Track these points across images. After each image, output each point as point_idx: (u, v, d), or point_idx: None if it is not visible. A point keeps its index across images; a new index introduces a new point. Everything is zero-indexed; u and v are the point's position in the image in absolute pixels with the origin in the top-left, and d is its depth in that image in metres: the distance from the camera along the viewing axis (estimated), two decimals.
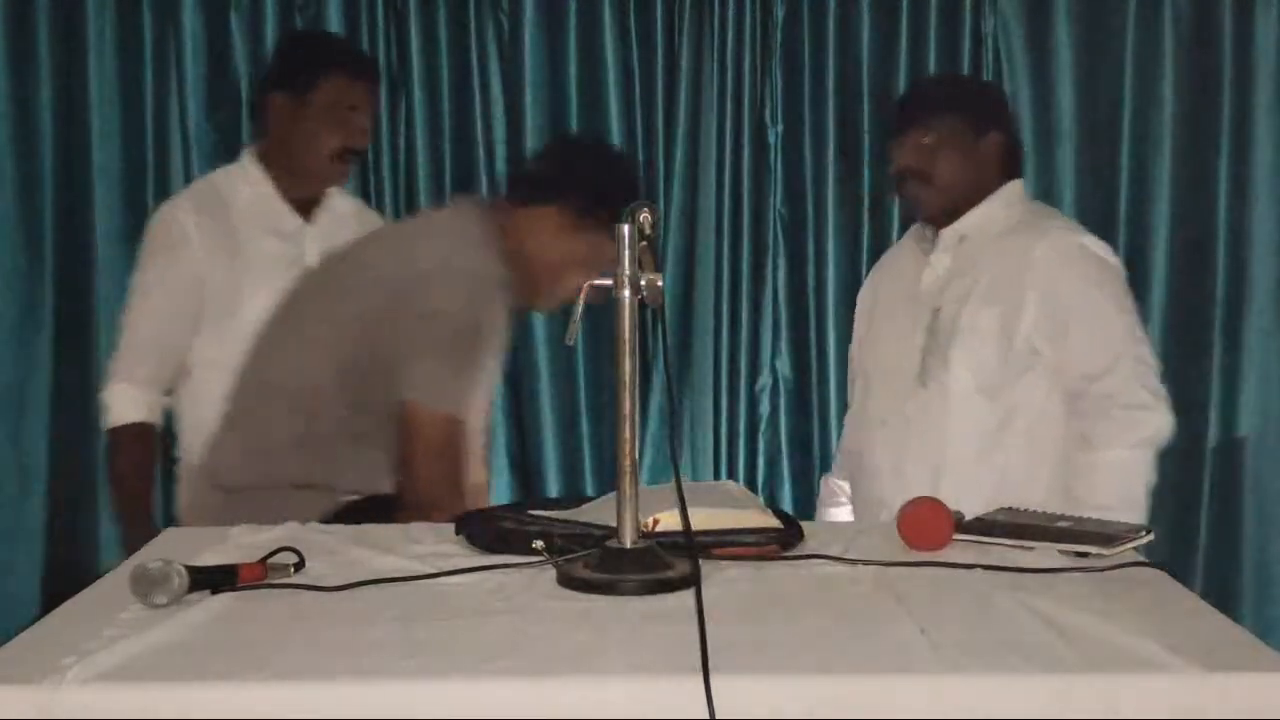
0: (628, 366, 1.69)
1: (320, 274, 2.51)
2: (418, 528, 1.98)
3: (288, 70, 2.75)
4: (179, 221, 2.72)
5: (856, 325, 2.85)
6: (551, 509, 1.96)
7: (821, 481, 2.93)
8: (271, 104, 2.71)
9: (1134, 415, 2.51)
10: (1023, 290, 2.51)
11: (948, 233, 2.62)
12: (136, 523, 2.72)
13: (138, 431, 2.72)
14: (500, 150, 3.38)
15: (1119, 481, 2.49)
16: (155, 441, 2.77)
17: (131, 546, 2.66)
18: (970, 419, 2.53)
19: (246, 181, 2.77)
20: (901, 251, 2.83)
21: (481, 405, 2.44)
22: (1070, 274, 2.54)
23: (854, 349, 2.87)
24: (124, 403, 2.73)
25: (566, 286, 2.39)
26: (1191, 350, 3.33)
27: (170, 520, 2.86)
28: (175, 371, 2.73)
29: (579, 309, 1.77)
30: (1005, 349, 2.51)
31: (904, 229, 3.26)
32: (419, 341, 2.25)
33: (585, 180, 2.41)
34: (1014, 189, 2.66)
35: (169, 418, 2.78)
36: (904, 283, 2.69)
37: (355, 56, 2.91)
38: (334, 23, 3.31)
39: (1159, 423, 2.53)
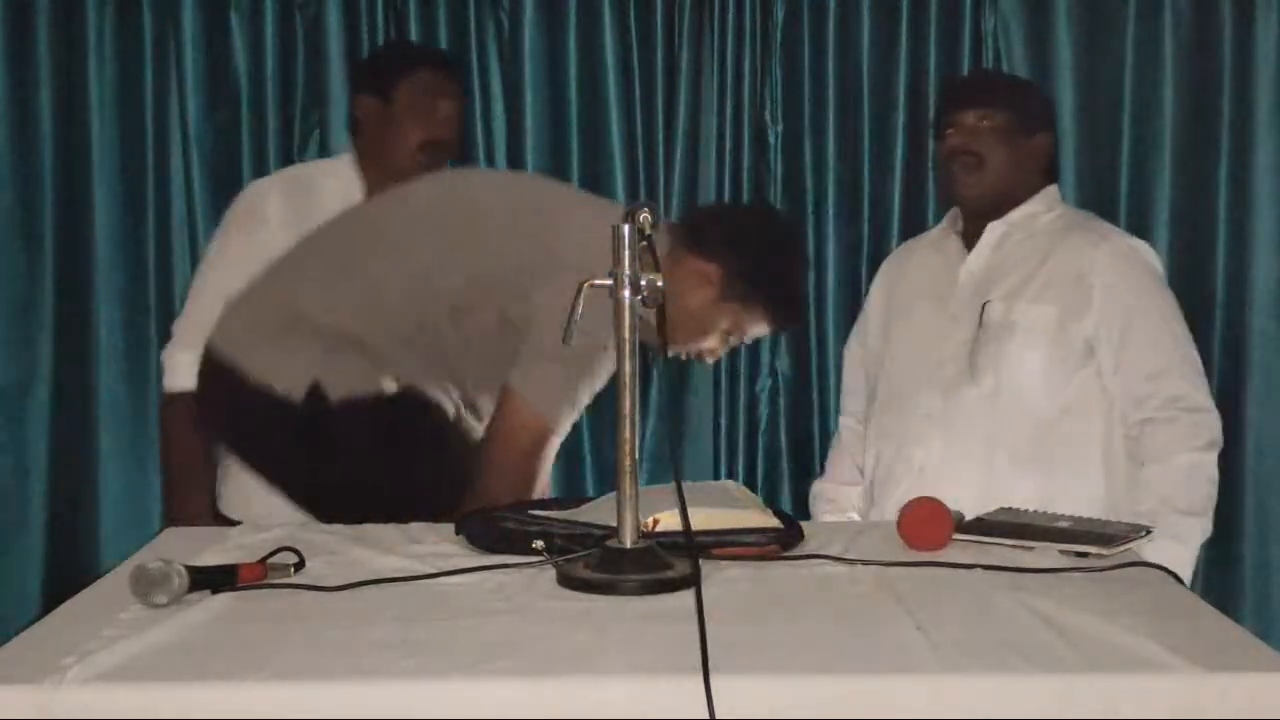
0: (628, 366, 1.69)
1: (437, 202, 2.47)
2: (418, 528, 1.99)
3: (373, 71, 2.85)
4: (261, 201, 2.76)
5: (868, 324, 2.84)
6: (551, 509, 1.96)
7: (816, 488, 2.91)
8: (360, 105, 2.79)
9: (1197, 418, 2.54)
10: (1085, 290, 2.54)
11: (994, 226, 2.64)
12: (181, 491, 2.74)
13: (188, 399, 2.73)
14: (500, 150, 3.37)
15: (1198, 485, 2.53)
16: None
17: (174, 514, 2.69)
18: (1024, 415, 2.54)
19: (337, 176, 2.79)
20: (921, 248, 2.84)
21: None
22: (1133, 277, 2.60)
23: (860, 348, 2.85)
24: (182, 369, 2.73)
25: (694, 343, 2.40)
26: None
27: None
28: None
29: (578, 309, 1.77)
30: (1062, 347, 2.54)
31: (904, 229, 3.27)
32: (548, 338, 2.14)
33: (758, 258, 2.38)
34: (1053, 192, 2.72)
35: None
36: (931, 278, 2.71)
37: (437, 53, 3.05)
38: (334, 22, 3.30)
39: (1218, 424, 2.58)
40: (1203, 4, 3.29)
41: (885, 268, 2.90)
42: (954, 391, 2.57)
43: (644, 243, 1.69)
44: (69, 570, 3.26)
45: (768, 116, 3.36)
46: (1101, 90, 3.33)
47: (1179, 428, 2.52)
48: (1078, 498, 2.39)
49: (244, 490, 2.51)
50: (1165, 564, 1.89)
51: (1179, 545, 2.43)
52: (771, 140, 3.36)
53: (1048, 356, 2.54)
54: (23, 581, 3.33)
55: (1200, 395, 2.57)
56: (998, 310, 2.57)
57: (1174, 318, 2.62)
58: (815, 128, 3.35)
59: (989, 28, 3.32)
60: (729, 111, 3.33)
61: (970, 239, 2.68)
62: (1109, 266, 2.57)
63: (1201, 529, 2.52)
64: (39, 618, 1.55)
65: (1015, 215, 2.65)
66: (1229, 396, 3.32)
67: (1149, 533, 1.89)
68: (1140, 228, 3.31)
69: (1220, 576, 3.32)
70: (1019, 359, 2.54)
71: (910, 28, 3.32)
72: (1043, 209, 2.67)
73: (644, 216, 1.69)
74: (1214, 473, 2.55)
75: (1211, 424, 2.56)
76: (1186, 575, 2.38)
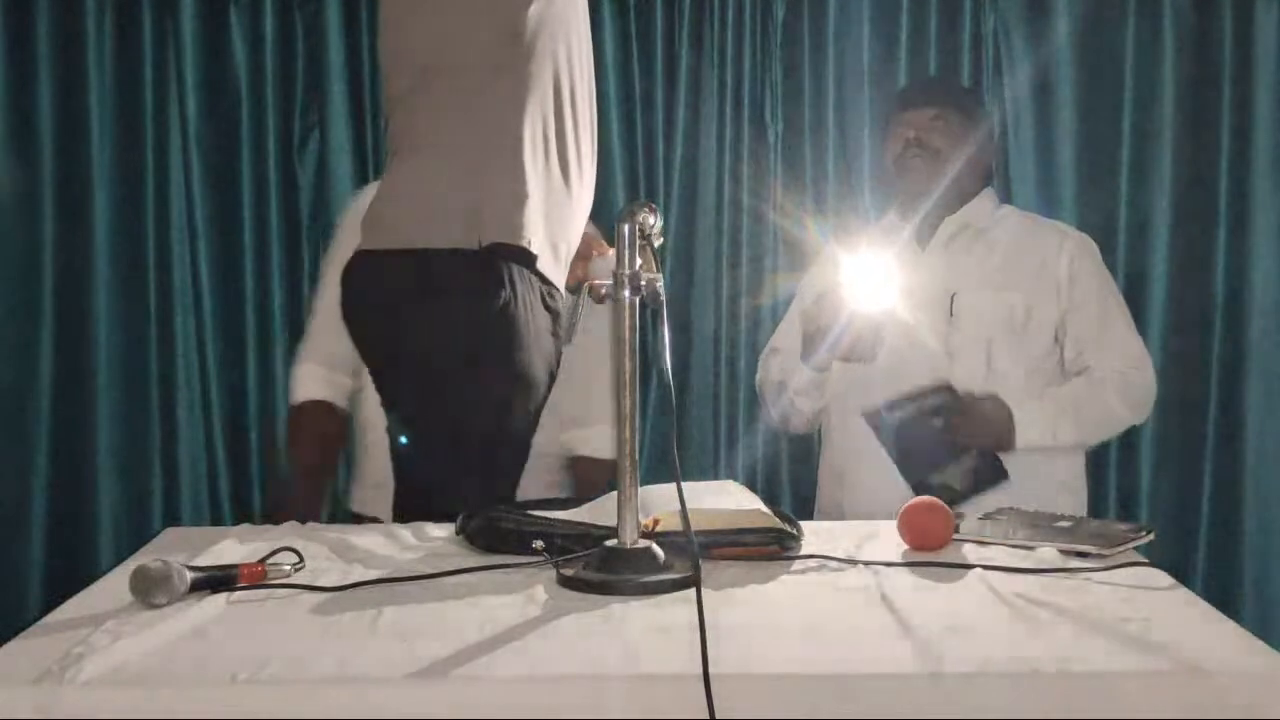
0: (628, 366, 1.69)
1: None
2: (418, 527, 1.99)
3: None
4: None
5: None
6: (552, 509, 1.96)
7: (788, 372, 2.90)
8: None
9: (1142, 376, 2.79)
10: (1051, 280, 2.76)
11: (949, 221, 2.81)
12: (305, 494, 2.76)
13: (314, 409, 2.76)
14: None
15: (1108, 421, 2.80)
16: (333, 421, 2.79)
17: (297, 515, 2.70)
18: (996, 390, 2.70)
19: None
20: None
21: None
22: (1094, 268, 2.82)
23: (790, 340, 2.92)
24: (304, 380, 2.79)
25: None
26: (1191, 350, 3.33)
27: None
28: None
29: (580, 309, 1.77)
30: (1030, 331, 2.73)
31: None
32: None
33: None
34: (991, 193, 2.91)
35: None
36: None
37: None
38: (334, 22, 3.30)
39: (1152, 398, 2.84)
40: (1203, 4, 3.29)
41: (823, 268, 2.96)
42: (938, 374, 2.70)
43: (644, 242, 1.69)
44: (69, 570, 3.26)
45: (768, 116, 3.36)
46: (1101, 90, 3.33)
47: (1120, 380, 2.73)
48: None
49: (381, 486, 2.53)
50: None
51: (1042, 427, 2.66)
52: (771, 140, 3.36)
53: (1019, 341, 2.73)
54: (23, 581, 3.33)
55: (1150, 372, 2.79)
56: (968, 301, 2.74)
57: (1123, 303, 2.85)
58: (815, 128, 3.35)
59: (989, 28, 3.32)
60: (729, 111, 3.33)
61: (918, 235, 2.83)
62: (1073, 259, 2.78)
63: (1072, 438, 2.73)
64: (39, 618, 1.55)
65: (966, 212, 2.83)
66: (1228, 396, 3.32)
67: (1150, 533, 1.89)
68: (1140, 228, 3.32)
69: (1220, 576, 3.33)
70: (992, 344, 2.72)
71: (910, 28, 3.32)
72: (991, 206, 2.87)
73: (644, 216, 1.69)
74: (1119, 423, 2.80)
75: (1148, 391, 2.78)
76: (1032, 438, 2.65)
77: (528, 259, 2.16)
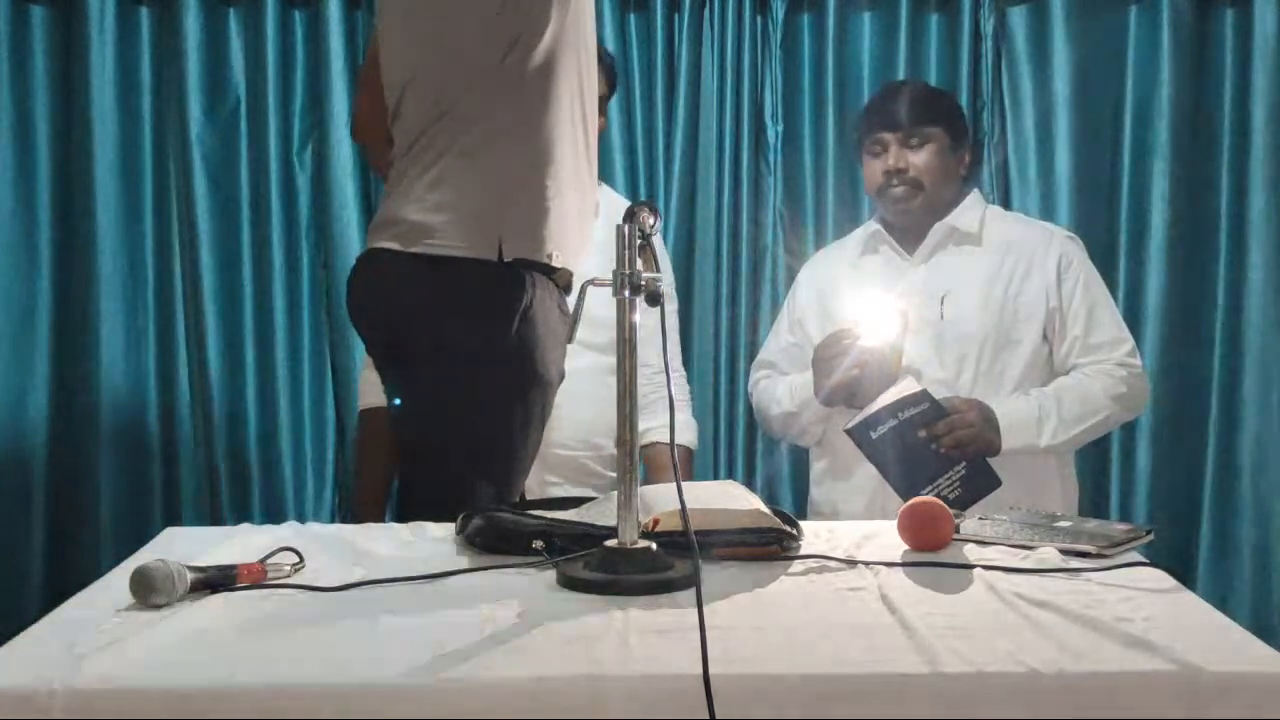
0: (628, 366, 1.69)
1: None
2: (418, 527, 1.99)
3: None
4: None
5: (805, 327, 2.90)
6: (552, 509, 1.96)
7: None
8: None
9: (1135, 372, 2.79)
10: (1043, 277, 2.76)
11: (938, 228, 2.81)
12: (364, 506, 2.81)
13: (375, 417, 2.78)
14: None
15: (1094, 413, 2.75)
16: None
17: (358, 518, 2.72)
18: (989, 392, 2.72)
19: None
20: (847, 252, 2.95)
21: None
22: (1084, 265, 2.82)
23: (785, 346, 2.94)
24: (365, 387, 2.83)
25: None
26: (1191, 350, 3.33)
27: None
28: None
29: (580, 308, 1.78)
30: (1020, 328, 2.75)
31: None
32: None
33: None
34: (977, 195, 2.91)
35: None
36: (872, 279, 2.82)
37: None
38: (334, 22, 3.30)
39: (1145, 393, 2.87)
40: (1203, 4, 3.29)
41: (810, 274, 2.99)
42: (911, 383, 2.69)
43: (643, 243, 1.69)
44: (69, 570, 3.26)
45: (768, 116, 3.36)
46: (1101, 89, 3.33)
47: (1107, 376, 2.73)
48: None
49: None
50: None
51: (1027, 426, 2.67)
52: (771, 140, 3.36)
53: (1010, 340, 2.74)
54: (23, 581, 3.33)
55: (1139, 366, 2.80)
56: (958, 302, 2.75)
57: (1111, 299, 2.86)
58: (815, 128, 3.35)
59: (989, 28, 3.32)
60: (729, 111, 3.33)
61: (904, 241, 2.85)
62: (1061, 257, 2.78)
63: (1060, 436, 2.70)
64: (39, 618, 1.55)
65: (954, 217, 2.82)
66: (1228, 395, 3.32)
67: (1150, 533, 1.89)
68: (1139, 228, 3.32)
69: (1220, 576, 3.33)
70: (984, 344, 2.74)
71: (910, 28, 3.32)
72: (979, 209, 2.87)
73: (644, 216, 1.69)
74: (1109, 420, 2.77)
75: (1139, 386, 2.78)
76: (1018, 440, 2.66)
77: (548, 270, 2.22)
